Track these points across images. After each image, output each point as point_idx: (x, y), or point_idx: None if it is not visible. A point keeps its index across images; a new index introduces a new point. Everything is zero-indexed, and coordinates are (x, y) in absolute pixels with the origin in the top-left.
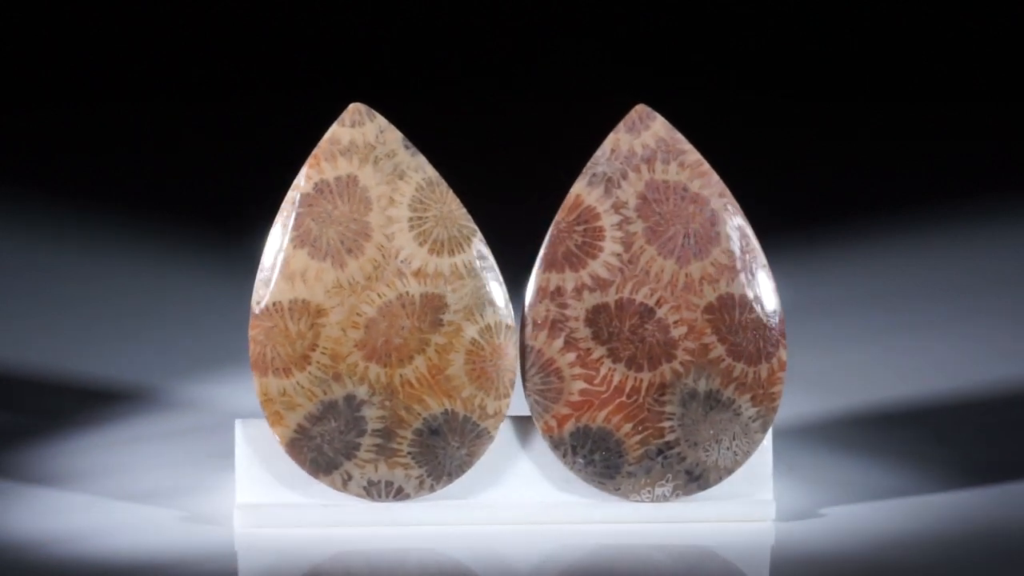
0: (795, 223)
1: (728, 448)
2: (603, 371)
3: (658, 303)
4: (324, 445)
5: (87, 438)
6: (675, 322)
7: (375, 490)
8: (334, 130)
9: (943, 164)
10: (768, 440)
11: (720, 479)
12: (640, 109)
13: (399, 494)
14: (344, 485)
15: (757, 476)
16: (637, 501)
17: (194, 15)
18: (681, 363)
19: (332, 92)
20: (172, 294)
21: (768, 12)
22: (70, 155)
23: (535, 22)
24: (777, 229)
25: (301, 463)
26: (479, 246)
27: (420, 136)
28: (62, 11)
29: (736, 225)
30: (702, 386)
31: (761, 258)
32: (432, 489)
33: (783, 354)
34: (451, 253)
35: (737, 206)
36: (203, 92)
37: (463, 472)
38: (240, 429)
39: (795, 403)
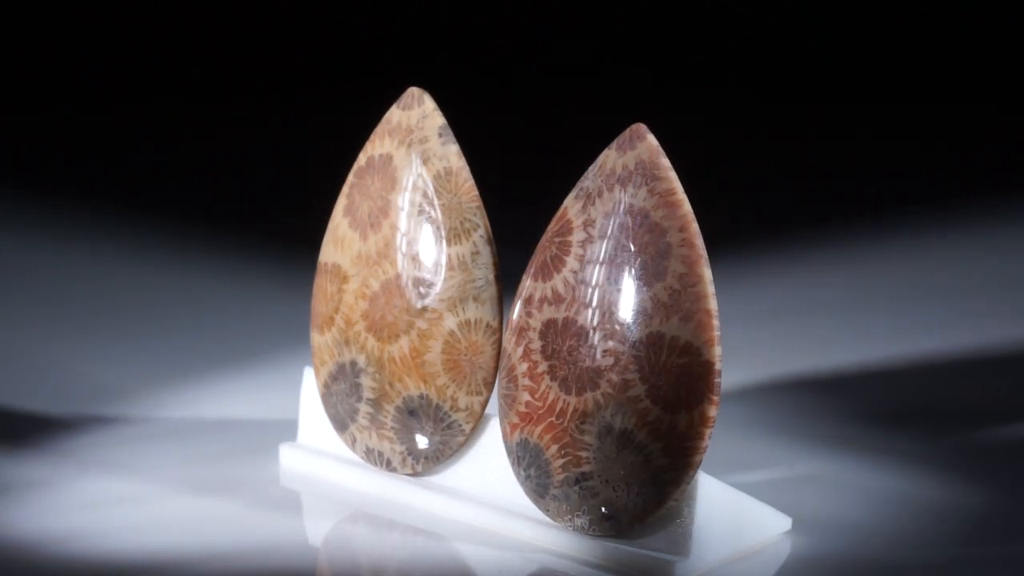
0: (792, 223)
1: (637, 494)
2: (542, 387)
3: (594, 328)
4: (338, 404)
5: (87, 438)
6: (604, 351)
7: (372, 457)
8: (391, 110)
9: (940, 165)
10: (699, 498)
11: (633, 525)
12: (635, 128)
13: (388, 466)
14: (353, 446)
15: (675, 533)
16: (562, 527)
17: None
18: (603, 394)
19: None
20: (172, 294)
21: (768, 12)
22: (97, 156)
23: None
24: (773, 229)
25: (328, 416)
26: (478, 241)
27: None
28: (86, 10)
29: (688, 263)
30: (618, 423)
31: (708, 304)
32: (414, 468)
33: (709, 410)
34: (448, 244)
35: (697, 244)
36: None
37: (439, 459)
38: (306, 377)
39: (792, 403)
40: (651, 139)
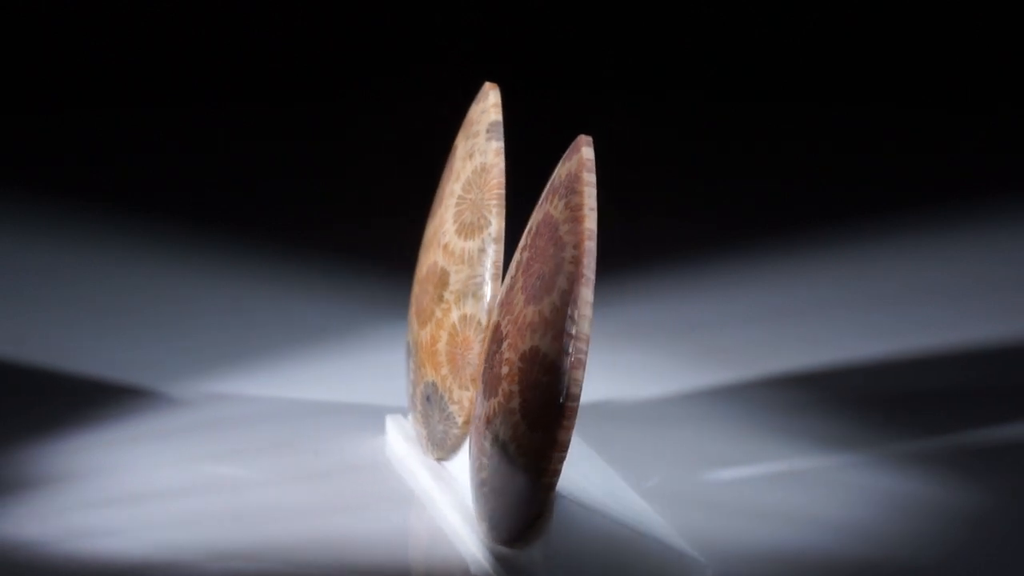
0: (792, 223)
1: (507, 507)
2: (478, 388)
3: (504, 335)
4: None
5: (87, 438)
6: (505, 360)
7: (418, 438)
8: (473, 104)
9: (929, 169)
10: (569, 526)
11: (509, 538)
12: (578, 140)
13: (423, 449)
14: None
15: (533, 555)
16: (479, 529)
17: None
18: (498, 403)
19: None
20: (173, 292)
21: (773, 15)
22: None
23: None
24: (773, 229)
25: None
26: (486, 239)
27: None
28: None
29: (571, 281)
30: (501, 433)
31: (581, 326)
32: (434, 455)
33: (559, 434)
34: (466, 237)
35: (583, 263)
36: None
37: (444, 448)
38: None
39: (792, 402)
40: (584, 152)
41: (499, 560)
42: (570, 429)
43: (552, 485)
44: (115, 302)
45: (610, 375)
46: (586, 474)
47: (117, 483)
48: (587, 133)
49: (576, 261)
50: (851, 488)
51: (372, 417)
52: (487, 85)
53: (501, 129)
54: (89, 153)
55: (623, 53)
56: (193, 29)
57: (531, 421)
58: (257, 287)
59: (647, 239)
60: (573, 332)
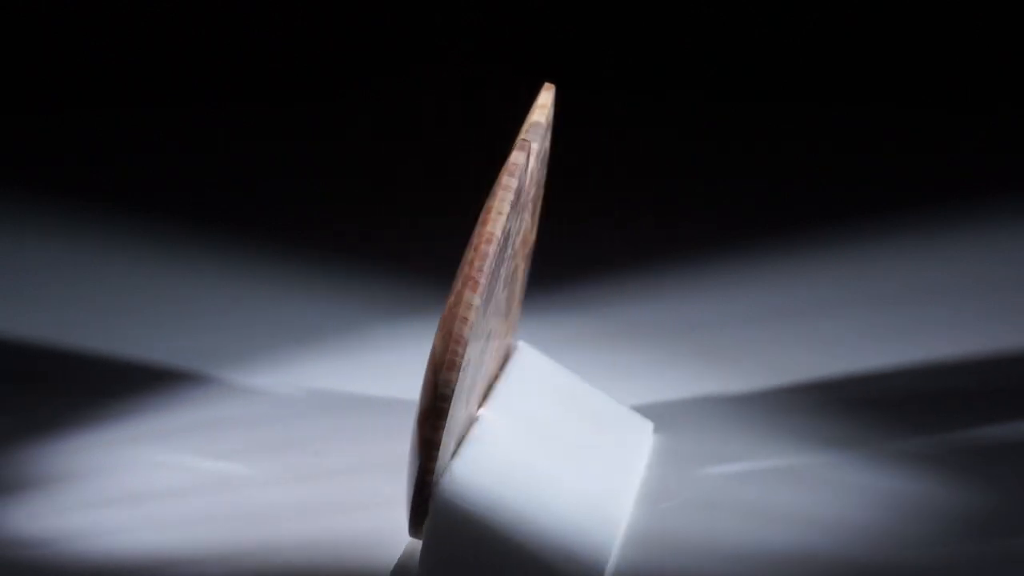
0: (792, 223)
1: (409, 503)
2: None
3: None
4: None
5: (87, 438)
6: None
7: None
8: None
9: (929, 169)
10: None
11: (414, 534)
12: (517, 142)
13: None
14: None
15: (414, 555)
16: None
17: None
18: (418, 401)
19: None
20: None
21: (777, 14)
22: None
23: None
24: (773, 230)
25: None
26: None
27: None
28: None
29: (462, 281)
30: (413, 428)
31: (460, 328)
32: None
33: (429, 435)
34: None
35: (474, 265)
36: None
37: None
38: None
39: (792, 402)
40: (513, 156)
41: (405, 552)
42: (439, 430)
43: (426, 483)
44: (115, 302)
45: (610, 375)
46: (576, 469)
47: (117, 483)
48: (587, 133)
49: (468, 263)
50: (851, 488)
51: (372, 416)
52: (546, 84)
53: (540, 130)
54: (89, 153)
55: (623, 53)
56: (193, 29)
57: (419, 420)
58: (257, 287)
59: (647, 239)
60: (453, 333)
